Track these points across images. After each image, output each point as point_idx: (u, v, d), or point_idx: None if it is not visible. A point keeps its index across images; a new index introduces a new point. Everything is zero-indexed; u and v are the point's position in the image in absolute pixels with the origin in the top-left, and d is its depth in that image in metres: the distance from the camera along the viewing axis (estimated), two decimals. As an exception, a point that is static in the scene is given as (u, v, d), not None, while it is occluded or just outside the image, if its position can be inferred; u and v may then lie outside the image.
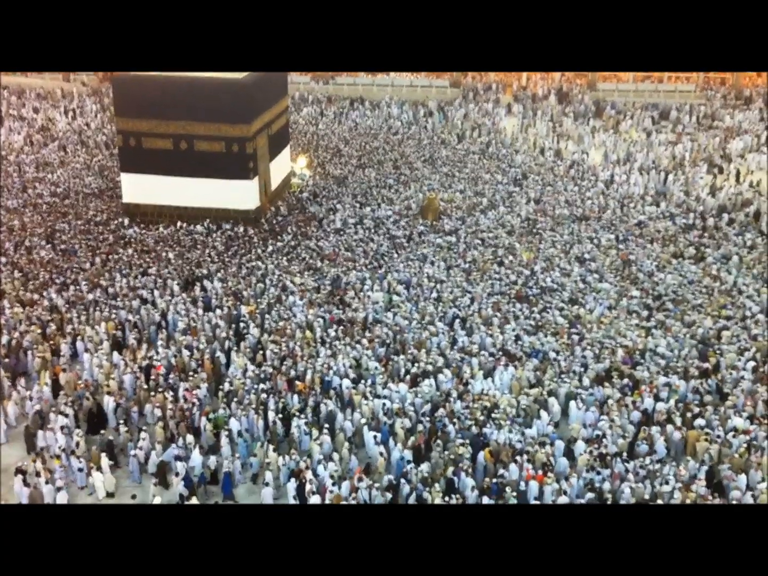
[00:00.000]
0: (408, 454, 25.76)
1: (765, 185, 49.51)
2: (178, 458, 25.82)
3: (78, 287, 36.10)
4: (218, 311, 34.31)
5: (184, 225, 43.63)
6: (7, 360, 30.90)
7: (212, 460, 26.06)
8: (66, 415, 27.73)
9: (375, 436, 26.66)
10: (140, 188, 44.71)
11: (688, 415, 27.66)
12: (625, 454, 25.87)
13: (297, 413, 27.69)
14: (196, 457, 25.97)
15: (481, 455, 25.74)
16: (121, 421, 27.81)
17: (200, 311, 34.29)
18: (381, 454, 25.84)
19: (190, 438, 26.84)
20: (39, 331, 32.55)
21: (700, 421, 27.28)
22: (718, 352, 31.32)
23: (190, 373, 30.06)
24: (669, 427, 27.06)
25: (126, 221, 44.09)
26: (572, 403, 28.26)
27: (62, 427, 27.13)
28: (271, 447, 26.33)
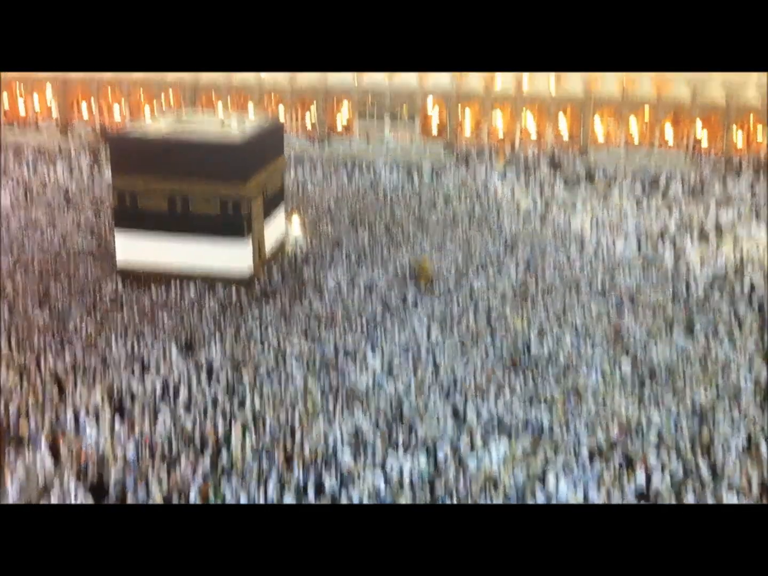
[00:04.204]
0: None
1: (756, 256, 49.91)
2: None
3: (74, 351, 35.82)
4: (218, 377, 34.17)
5: (177, 286, 43.44)
6: (8, 428, 30.63)
7: None
8: (82, 485, 27.56)
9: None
10: (134, 248, 44.74)
11: (683, 492, 27.56)
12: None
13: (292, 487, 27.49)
14: None
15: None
16: (130, 492, 27.52)
17: (203, 377, 34.08)
18: None
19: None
20: (40, 396, 32.28)
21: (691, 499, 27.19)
22: (711, 426, 31.29)
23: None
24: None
25: (119, 282, 43.91)
26: (566, 478, 28.11)
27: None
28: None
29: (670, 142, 77.31)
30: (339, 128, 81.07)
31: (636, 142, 78.31)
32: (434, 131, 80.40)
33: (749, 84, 75.79)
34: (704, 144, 76.97)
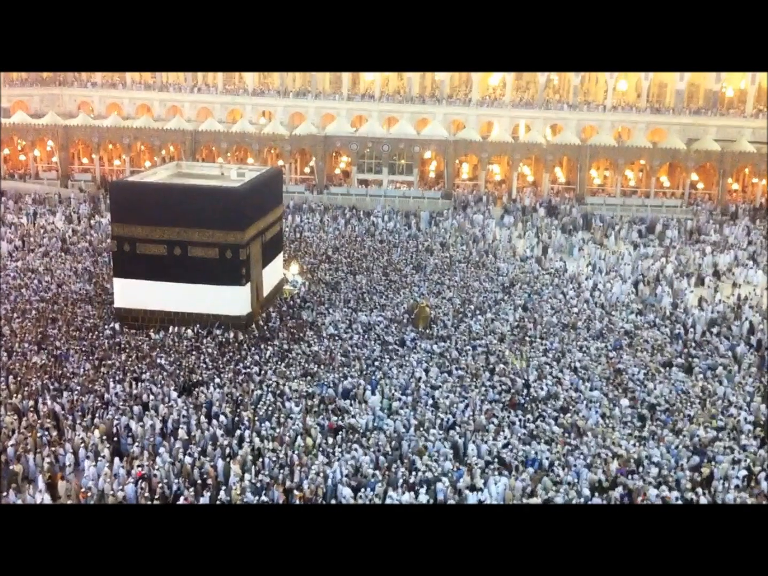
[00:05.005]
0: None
1: (754, 299, 50.18)
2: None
3: (72, 393, 35.60)
4: (220, 417, 34.03)
5: (175, 330, 43.42)
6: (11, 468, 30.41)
7: None
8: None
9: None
10: (132, 293, 44.74)
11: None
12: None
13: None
14: None
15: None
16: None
17: (202, 418, 33.97)
18: None
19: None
20: (38, 435, 32.13)
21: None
22: (711, 462, 31.18)
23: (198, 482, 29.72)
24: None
25: (117, 326, 43.90)
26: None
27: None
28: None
29: (666, 189, 78.03)
30: (337, 177, 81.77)
31: (632, 188, 79.08)
32: (432, 180, 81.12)
33: (745, 131, 76.80)
34: (700, 190, 77.70)
